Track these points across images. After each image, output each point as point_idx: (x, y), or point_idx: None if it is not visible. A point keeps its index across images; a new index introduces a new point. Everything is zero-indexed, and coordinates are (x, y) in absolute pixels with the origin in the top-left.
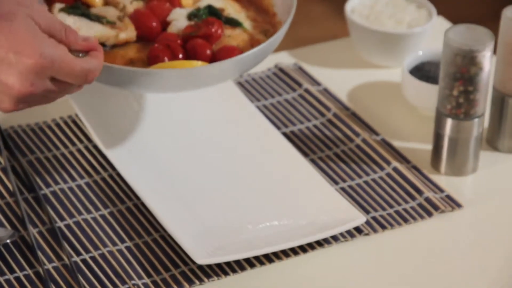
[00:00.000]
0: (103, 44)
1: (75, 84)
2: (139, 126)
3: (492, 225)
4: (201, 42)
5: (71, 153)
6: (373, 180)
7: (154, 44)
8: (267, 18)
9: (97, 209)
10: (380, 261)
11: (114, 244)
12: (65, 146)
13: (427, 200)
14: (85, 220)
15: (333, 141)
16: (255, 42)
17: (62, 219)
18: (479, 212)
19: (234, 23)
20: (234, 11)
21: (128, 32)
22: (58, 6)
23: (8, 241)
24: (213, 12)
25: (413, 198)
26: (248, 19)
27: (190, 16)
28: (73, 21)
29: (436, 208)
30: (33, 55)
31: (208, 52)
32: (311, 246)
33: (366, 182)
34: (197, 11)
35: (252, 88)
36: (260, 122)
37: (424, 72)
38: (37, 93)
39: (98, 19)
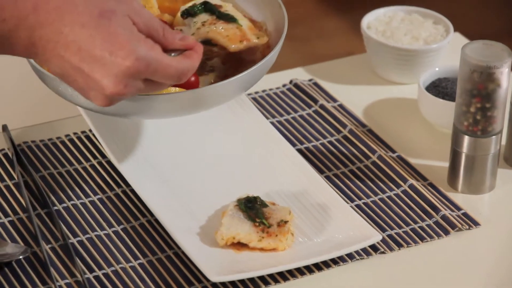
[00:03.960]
0: None
1: (167, 84)
2: (153, 142)
3: (510, 244)
4: None
5: (84, 168)
6: (389, 197)
7: None
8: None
9: (110, 225)
10: (396, 280)
11: (128, 261)
12: (79, 162)
13: (444, 218)
14: (98, 237)
15: (348, 158)
16: (246, 40)
17: (75, 235)
18: (496, 231)
19: (229, 18)
20: (232, 9)
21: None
22: None
23: (20, 257)
24: (208, 8)
25: (429, 216)
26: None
27: (183, 14)
28: None
29: (453, 226)
30: (129, 57)
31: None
32: (326, 264)
33: (382, 200)
34: (192, 8)
35: (267, 104)
36: (275, 139)
37: (440, 88)
38: (128, 94)
39: None
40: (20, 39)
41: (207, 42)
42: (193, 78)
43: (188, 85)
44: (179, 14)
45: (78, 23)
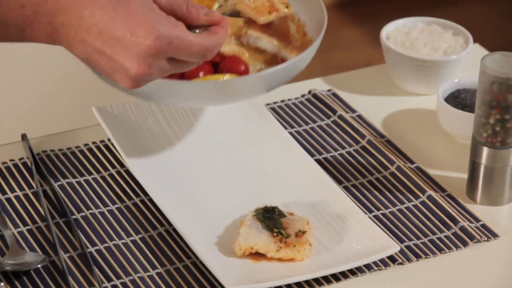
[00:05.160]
0: None
1: (192, 62)
2: (171, 151)
3: None
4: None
5: (103, 178)
6: (408, 208)
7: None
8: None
9: (128, 234)
10: None
11: (145, 270)
12: (97, 171)
13: (462, 229)
14: (116, 246)
15: (367, 169)
16: (275, 10)
17: (93, 244)
18: None
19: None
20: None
21: None
22: None
23: (39, 266)
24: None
25: (448, 227)
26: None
27: None
28: None
29: (471, 237)
30: (150, 36)
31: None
32: (344, 275)
33: (400, 211)
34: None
35: (285, 115)
36: (293, 149)
37: (460, 99)
38: (154, 74)
39: None
40: (41, 25)
41: (235, 15)
42: (243, 67)
43: (238, 73)
44: None
45: (98, 6)
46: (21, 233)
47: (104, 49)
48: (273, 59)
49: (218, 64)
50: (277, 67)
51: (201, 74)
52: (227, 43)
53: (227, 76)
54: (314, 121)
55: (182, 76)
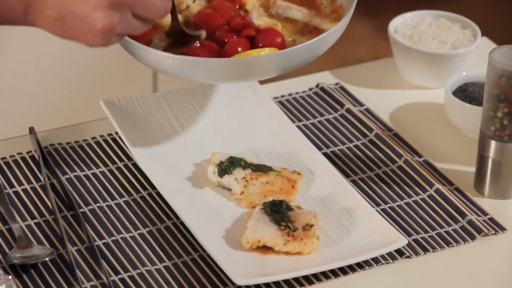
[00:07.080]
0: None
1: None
2: (178, 145)
3: None
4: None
5: (110, 171)
6: (415, 202)
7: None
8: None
9: (136, 227)
10: (422, 284)
11: (153, 263)
12: (105, 164)
13: (470, 223)
14: (124, 239)
15: (375, 162)
16: (294, 181)
17: (101, 237)
18: None
19: (264, 168)
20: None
21: None
22: None
23: (47, 259)
24: (237, 163)
25: (455, 221)
26: None
27: (220, 174)
28: None
29: (479, 231)
30: None
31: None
32: (351, 268)
33: (408, 204)
34: (221, 166)
35: (293, 108)
36: (301, 142)
37: (468, 93)
38: (121, 25)
39: None
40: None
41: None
42: (279, 39)
43: (275, 46)
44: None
45: None
46: (28, 226)
47: (64, 11)
48: (305, 28)
49: (254, 38)
50: (324, 34)
51: (239, 49)
52: (260, 16)
53: (267, 50)
54: (322, 115)
55: (220, 55)
